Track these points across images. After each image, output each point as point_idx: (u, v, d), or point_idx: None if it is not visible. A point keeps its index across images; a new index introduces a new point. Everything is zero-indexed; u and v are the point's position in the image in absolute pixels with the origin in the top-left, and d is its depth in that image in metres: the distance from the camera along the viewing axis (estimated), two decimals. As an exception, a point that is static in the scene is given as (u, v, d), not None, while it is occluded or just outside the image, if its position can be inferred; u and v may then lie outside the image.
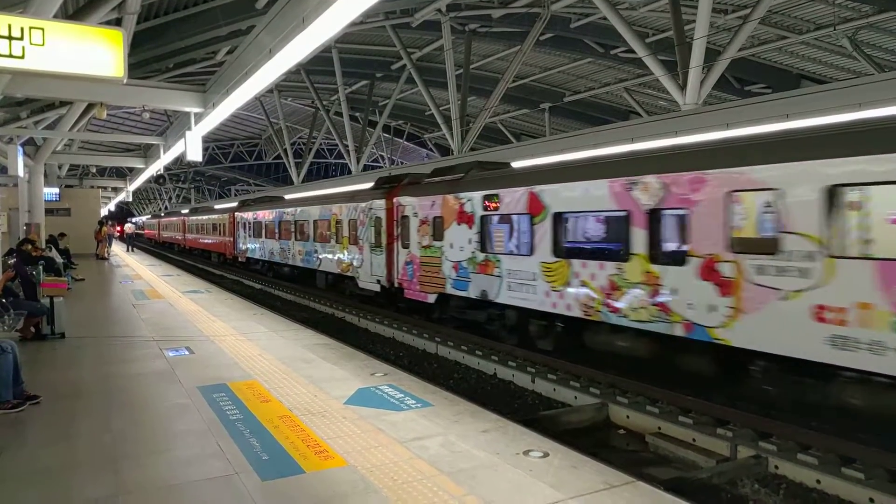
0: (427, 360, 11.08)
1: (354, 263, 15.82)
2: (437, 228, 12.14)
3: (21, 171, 18.27)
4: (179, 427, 5.28)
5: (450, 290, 11.80)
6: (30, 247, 12.23)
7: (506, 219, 10.67)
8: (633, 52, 15.90)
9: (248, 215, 25.86)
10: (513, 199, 10.22)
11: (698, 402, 7.32)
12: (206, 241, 34.50)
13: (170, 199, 77.08)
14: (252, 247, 25.41)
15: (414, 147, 42.56)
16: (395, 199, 13.81)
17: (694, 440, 6.72)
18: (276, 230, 22.18)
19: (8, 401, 5.73)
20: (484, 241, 10.92)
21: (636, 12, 17.28)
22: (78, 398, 6.17)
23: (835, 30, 15.80)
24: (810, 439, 6.18)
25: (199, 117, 14.10)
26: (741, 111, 10.65)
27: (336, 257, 17.12)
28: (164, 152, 20.84)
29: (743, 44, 14.91)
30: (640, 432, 7.25)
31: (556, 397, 8.60)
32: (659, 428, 7.10)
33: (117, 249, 34.60)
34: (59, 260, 16.40)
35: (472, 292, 11.13)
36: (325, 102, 28.81)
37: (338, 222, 16.98)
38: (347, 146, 28.19)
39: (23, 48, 5.64)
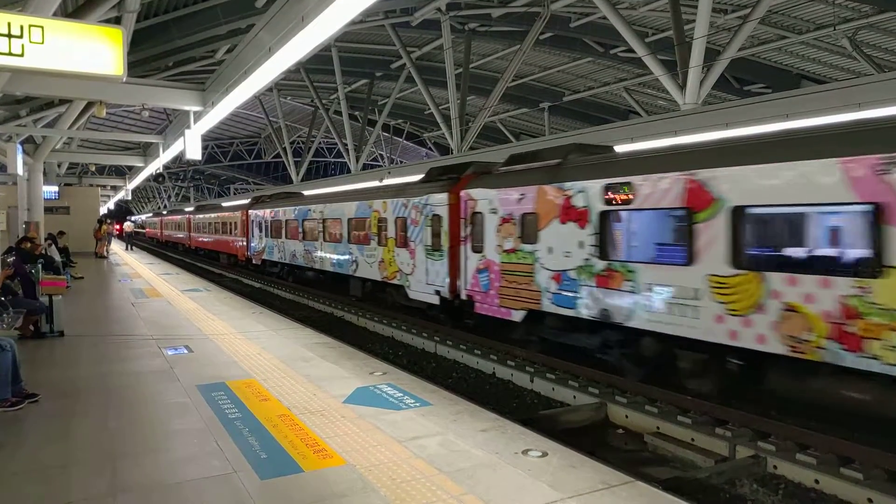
0: (426, 359, 11.09)
1: (403, 269, 13.36)
2: (528, 228, 9.72)
3: (20, 170, 18.25)
4: (178, 426, 5.28)
5: (546, 306, 9.34)
6: (29, 245, 12.22)
7: (644, 215, 8.28)
8: (632, 51, 15.90)
9: (265, 213, 23.23)
10: (657, 189, 7.68)
11: (697, 401, 7.32)
12: (214, 241, 31.89)
13: (168, 197, 77.10)
14: (269, 248, 22.80)
15: (413, 146, 42.57)
16: (462, 193, 11.34)
17: (692, 440, 6.73)
18: (300, 230, 19.62)
19: (7, 399, 5.73)
20: (605, 245, 8.43)
21: (636, 12, 17.28)
22: (76, 396, 6.17)
23: (835, 30, 15.80)
24: (809, 439, 6.19)
25: (198, 116, 14.10)
26: (741, 111, 10.65)
27: (378, 262, 14.58)
28: (164, 151, 20.86)
29: (743, 44, 14.90)
30: (639, 432, 7.25)
31: (555, 397, 8.60)
32: (658, 427, 7.11)
33: (116, 248, 34.59)
34: (58, 258, 16.39)
35: (585, 311, 8.67)
36: (324, 101, 28.80)
37: (381, 221, 14.43)
38: (347, 145, 28.19)
39: (22, 46, 5.64)
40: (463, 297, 11.39)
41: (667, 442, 6.84)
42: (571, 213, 8.94)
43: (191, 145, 13.63)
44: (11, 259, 10.80)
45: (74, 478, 4.26)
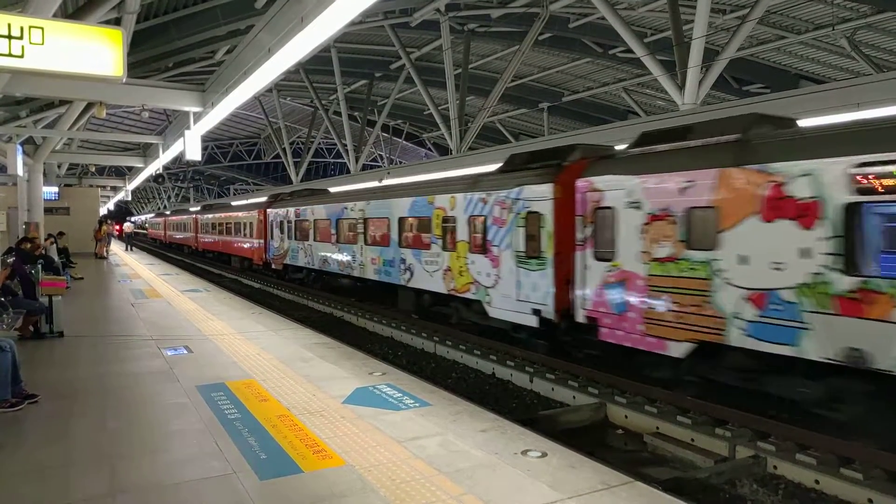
0: (425, 360, 11.09)
1: (481, 281, 10.85)
2: (701, 228, 7.17)
3: (20, 170, 18.26)
4: (177, 426, 5.29)
5: (735, 338, 6.74)
6: (29, 245, 12.22)
7: None
8: (631, 51, 15.91)
9: (288, 212, 20.80)
10: None
11: (697, 402, 7.32)
12: (225, 243, 29.36)
13: (168, 198, 77.15)
14: (293, 252, 20.31)
15: (413, 147, 42.60)
16: (580, 182, 8.84)
17: (692, 440, 6.73)
18: (334, 231, 17.05)
19: (6, 399, 5.73)
20: (856, 254, 5.86)
21: (635, 12, 17.29)
22: (76, 397, 6.17)
23: (833, 30, 15.82)
24: (809, 439, 6.19)
25: (198, 116, 14.11)
26: (740, 111, 10.65)
27: (441, 270, 12.08)
28: (163, 151, 20.87)
29: (741, 44, 14.92)
30: (639, 432, 7.26)
31: (555, 397, 8.60)
32: (657, 428, 7.11)
33: (116, 249, 34.59)
34: (56, 258, 16.40)
35: (815, 349, 6.10)
36: (323, 102, 28.82)
37: (446, 220, 11.94)
38: (346, 146, 28.22)
39: (22, 47, 5.64)
40: (580, 319, 8.81)
41: (666, 442, 6.85)
42: (786, 207, 6.37)
43: (190, 146, 13.64)
44: (11, 259, 10.80)
45: (74, 478, 4.26)
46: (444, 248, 12.05)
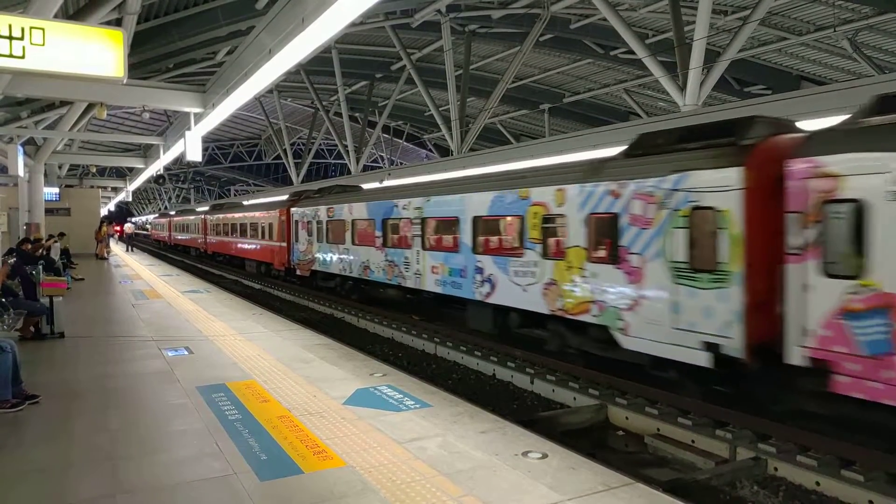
0: (426, 361, 11.08)
1: (608, 301, 8.20)
2: None
3: (21, 171, 18.32)
4: (178, 427, 5.29)
5: None
6: (29, 246, 12.24)
7: None
8: (632, 53, 15.93)
9: (318, 211, 18.13)
10: None
11: (697, 403, 7.31)
12: (240, 245, 26.86)
13: (169, 199, 77.25)
14: (324, 257, 17.62)
15: (413, 147, 42.63)
16: (795, 165, 6.16)
17: (693, 441, 6.73)
18: (379, 233, 14.37)
19: (7, 400, 5.73)
20: None
21: (636, 13, 17.30)
22: (76, 398, 6.17)
23: (835, 31, 15.83)
24: (809, 441, 6.19)
25: (198, 117, 14.13)
26: (741, 112, 10.64)
27: (541, 284, 9.38)
28: (164, 152, 20.90)
29: (743, 45, 14.94)
30: (639, 433, 7.25)
31: (555, 398, 8.60)
32: (658, 429, 7.10)
33: (117, 249, 34.63)
34: (58, 259, 16.42)
35: None
36: (324, 103, 28.87)
37: (549, 219, 9.33)
38: (347, 146, 28.25)
39: (23, 48, 5.66)
40: (794, 360, 6.15)
41: (667, 443, 6.84)
42: None
43: (191, 147, 13.66)
44: (12, 260, 10.82)
45: (74, 479, 4.26)
46: (546, 256, 9.37)
